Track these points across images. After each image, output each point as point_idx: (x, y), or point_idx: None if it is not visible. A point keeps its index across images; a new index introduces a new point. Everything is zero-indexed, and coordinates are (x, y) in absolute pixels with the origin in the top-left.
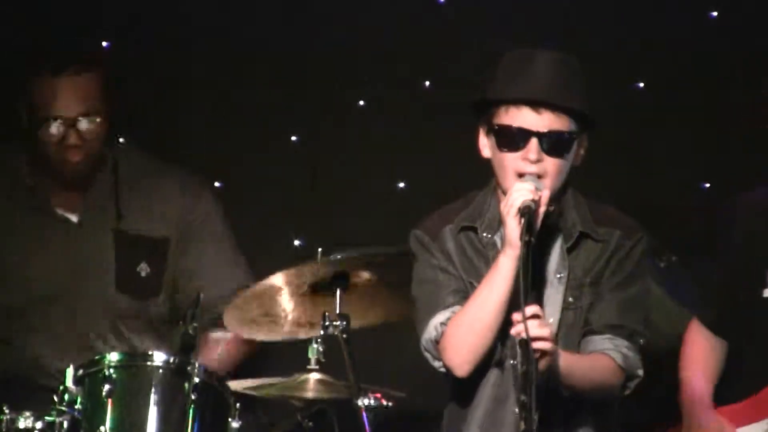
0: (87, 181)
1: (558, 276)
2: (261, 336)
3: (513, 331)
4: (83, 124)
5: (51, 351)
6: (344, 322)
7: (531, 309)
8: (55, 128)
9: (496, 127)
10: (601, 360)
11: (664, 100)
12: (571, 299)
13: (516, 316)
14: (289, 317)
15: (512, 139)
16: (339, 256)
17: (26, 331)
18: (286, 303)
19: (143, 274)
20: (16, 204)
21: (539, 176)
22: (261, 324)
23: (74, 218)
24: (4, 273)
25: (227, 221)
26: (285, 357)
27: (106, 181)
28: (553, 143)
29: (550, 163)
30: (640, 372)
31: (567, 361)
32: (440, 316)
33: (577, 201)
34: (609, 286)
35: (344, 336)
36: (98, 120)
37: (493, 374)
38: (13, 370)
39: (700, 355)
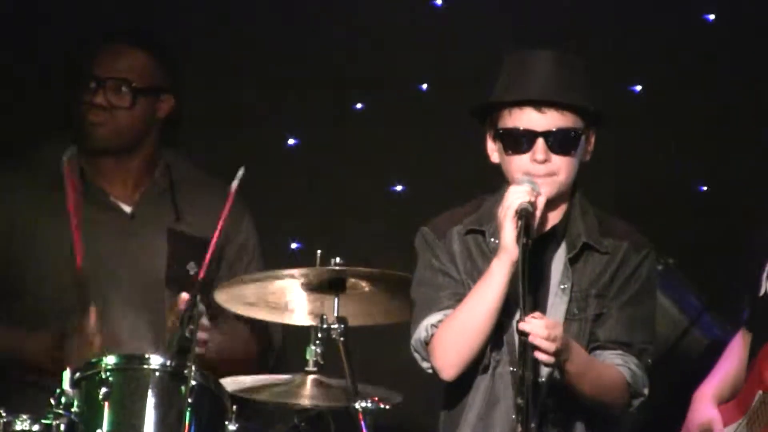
0: (138, 175)
1: (562, 287)
2: (259, 316)
3: (521, 326)
4: (111, 88)
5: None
6: (342, 326)
7: (534, 322)
8: (88, 88)
9: (501, 131)
10: (611, 372)
11: (661, 101)
12: (576, 311)
13: (522, 325)
14: (288, 306)
15: (518, 141)
16: (336, 267)
17: (69, 320)
18: (285, 294)
19: (192, 272)
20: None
21: (549, 175)
22: (258, 307)
23: (127, 209)
24: (52, 258)
25: (259, 246)
26: (283, 359)
27: (161, 181)
28: (559, 141)
29: (559, 162)
30: (646, 391)
31: (581, 359)
32: (433, 318)
33: (584, 210)
34: (618, 302)
35: (342, 339)
36: (124, 90)
37: (485, 378)
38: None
39: (726, 353)
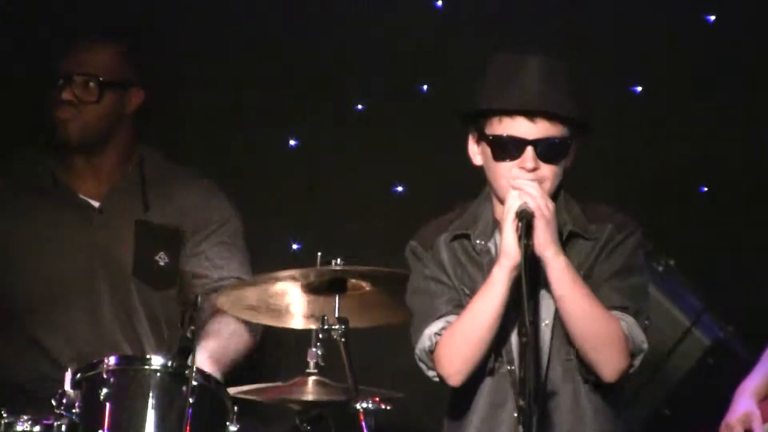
0: (110, 171)
1: None
2: (262, 321)
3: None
4: (79, 83)
5: (64, 341)
6: (343, 326)
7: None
8: (57, 86)
9: (491, 138)
10: (610, 315)
11: (662, 102)
12: None
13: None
14: (289, 309)
15: (508, 148)
16: (337, 267)
17: (40, 319)
18: (286, 296)
19: (161, 263)
20: (38, 190)
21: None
22: (260, 311)
23: (96, 204)
24: (22, 258)
25: (243, 236)
26: (283, 360)
27: (132, 175)
28: (548, 150)
29: (547, 170)
30: (645, 346)
31: (573, 277)
32: (434, 326)
33: (569, 203)
34: (603, 276)
35: (343, 340)
36: (91, 85)
37: (487, 382)
38: (21, 360)
39: (766, 351)
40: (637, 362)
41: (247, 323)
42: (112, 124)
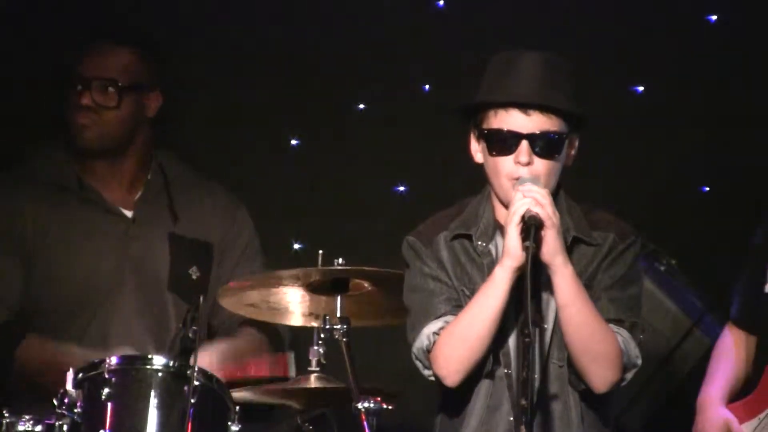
0: (132, 176)
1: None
2: (261, 318)
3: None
4: (97, 88)
5: (99, 347)
6: (345, 326)
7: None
8: (74, 88)
9: (486, 132)
10: (608, 328)
11: (663, 102)
12: None
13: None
14: (290, 307)
15: (502, 142)
16: (339, 267)
17: (74, 326)
18: (287, 295)
19: (194, 277)
20: (65, 191)
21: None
22: (261, 308)
23: (128, 213)
24: (56, 264)
25: (258, 239)
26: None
27: (156, 182)
28: (543, 144)
29: (542, 165)
30: (639, 361)
31: (574, 279)
32: (432, 326)
33: (570, 205)
34: (603, 285)
35: (345, 340)
36: (110, 90)
37: (485, 384)
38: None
39: (720, 353)
40: (629, 376)
41: (271, 336)
42: (132, 129)
